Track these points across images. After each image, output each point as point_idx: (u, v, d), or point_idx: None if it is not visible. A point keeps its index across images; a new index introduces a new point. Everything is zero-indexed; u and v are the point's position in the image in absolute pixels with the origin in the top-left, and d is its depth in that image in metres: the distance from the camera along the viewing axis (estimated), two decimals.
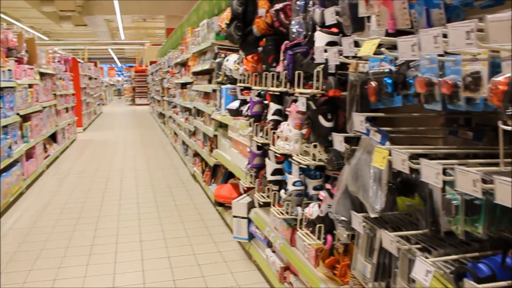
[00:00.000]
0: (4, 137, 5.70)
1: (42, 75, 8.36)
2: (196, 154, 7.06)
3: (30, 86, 7.24)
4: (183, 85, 8.39)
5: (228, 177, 5.13)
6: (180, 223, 5.07)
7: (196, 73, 6.62)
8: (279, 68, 2.72)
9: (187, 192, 6.43)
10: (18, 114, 6.34)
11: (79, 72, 14.20)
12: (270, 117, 3.01)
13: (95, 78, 20.18)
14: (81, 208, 5.74)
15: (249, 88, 4.02)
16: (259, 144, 3.20)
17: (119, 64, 51.04)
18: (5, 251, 4.34)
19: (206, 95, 5.89)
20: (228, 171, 5.08)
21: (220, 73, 4.76)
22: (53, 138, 9.54)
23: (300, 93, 2.29)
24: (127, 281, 3.68)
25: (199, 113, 6.54)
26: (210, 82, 5.64)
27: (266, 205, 3.27)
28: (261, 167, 3.40)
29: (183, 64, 8.42)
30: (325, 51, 2.01)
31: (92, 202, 6.04)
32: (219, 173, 5.63)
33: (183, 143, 8.65)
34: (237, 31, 3.26)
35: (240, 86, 3.84)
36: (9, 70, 6.03)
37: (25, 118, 6.89)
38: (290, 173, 2.71)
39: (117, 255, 4.21)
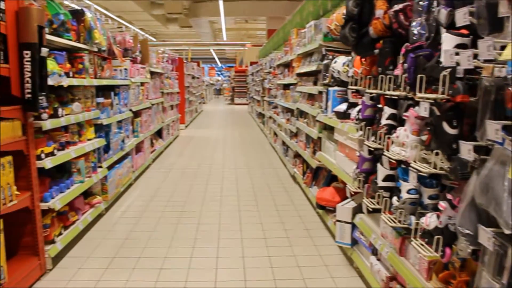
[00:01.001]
0: (118, 131, 6.09)
1: (152, 74, 8.84)
2: (296, 155, 7.06)
3: (142, 84, 7.68)
4: (286, 86, 8.43)
5: (330, 180, 5.06)
6: (280, 223, 5.09)
7: (300, 75, 6.62)
8: (398, 71, 2.62)
9: (286, 193, 6.45)
10: (130, 110, 6.75)
11: (184, 72, 14.84)
12: (384, 121, 2.92)
13: (198, 78, 21.00)
14: (185, 202, 5.97)
15: (358, 92, 3.95)
16: (371, 149, 3.11)
17: (219, 64, 52.68)
18: (117, 238, 4.64)
19: (311, 97, 5.87)
20: (331, 174, 5.01)
21: (327, 75, 4.71)
22: (158, 134, 10.06)
23: (423, 98, 2.18)
24: (228, 277, 3.76)
25: (302, 114, 6.53)
26: (315, 83, 5.61)
27: (374, 211, 3.18)
28: (370, 172, 3.31)
29: (287, 65, 8.46)
30: (457, 54, 1.89)
31: (195, 196, 6.27)
32: (321, 175, 5.58)
33: (283, 143, 8.69)
34: (352, 32, 3.19)
35: (352, 89, 3.77)
36: (125, 69, 6.44)
37: (136, 114, 7.31)
38: (404, 180, 2.60)
39: (219, 250, 4.31)
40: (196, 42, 32.36)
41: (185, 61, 15.77)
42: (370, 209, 3.14)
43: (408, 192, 2.57)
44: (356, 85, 3.58)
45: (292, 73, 7.45)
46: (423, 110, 2.25)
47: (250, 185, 6.95)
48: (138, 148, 7.55)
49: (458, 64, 1.93)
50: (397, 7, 2.71)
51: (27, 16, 3.27)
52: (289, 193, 6.43)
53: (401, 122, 2.85)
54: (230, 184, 7.04)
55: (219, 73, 52.53)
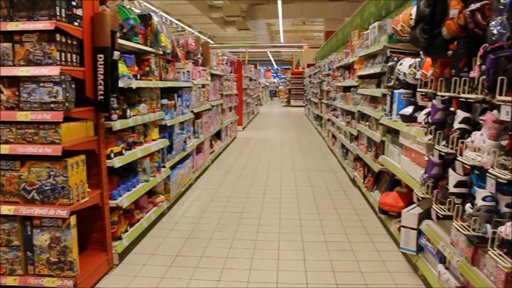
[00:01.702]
0: (181, 132, 6.22)
1: (212, 76, 8.97)
2: (357, 159, 6.94)
3: (203, 86, 7.82)
4: (346, 88, 8.31)
5: (393, 185, 4.94)
6: (341, 227, 5.02)
7: (362, 77, 6.50)
8: (474, 74, 2.51)
9: (346, 197, 6.36)
10: (192, 111, 6.88)
11: (242, 74, 14.98)
12: (456, 125, 2.81)
13: (255, 80, 21.13)
14: (244, 203, 6.02)
15: (425, 94, 3.83)
16: (442, 153, 3.00)
17: (275, 66, 52.84)
18: (179, 236, 4.74)
19: (373, 99, 5.75)
20: (394, 178, 4.89)
21: (392, 77, 4.59)
22: (217, 135, 10.20)
23: (504, 101, 2.08)
24: (290, 279, 3.74)
25: (363, 117, 6.41)
26: (378, 86, 5.48)
27: (444, 218, 3.07)
28: (439, 177, 3.20)
29: (347, 67, 8.34)
30: None
31: (254, 198, 6.30)
32: (382, 179, 5.46)
33: (342, 146, 8.57)
34: (423, 33, 3.09)
35: (421, 92, 3.65)
36: (188, 71, 6.57)
37: (197, 115, 7.45)
38: (480, 186, 2.49)
39: (280, 253, 4.30)
40: (253, 44, 32.63)
41: (242, 63, 15.93)
42: (440, 216, 3.03)
43: (484, 199, 2.45)
44: (425, 87, 3.47)
45: (353, 75, 7.33)
46: (504, 114, 2.15)
47: (309, 187, 6.90)
48: (199, 149, 7.69)
49: None
50: (473, 6, 2.59)
51: (101, 22, 3.40)
52: (349, 197, 6.34)
53: (475, 126, 2.74)
54: (288, 186, 7.02)
55: (274, 75, 52.70)
